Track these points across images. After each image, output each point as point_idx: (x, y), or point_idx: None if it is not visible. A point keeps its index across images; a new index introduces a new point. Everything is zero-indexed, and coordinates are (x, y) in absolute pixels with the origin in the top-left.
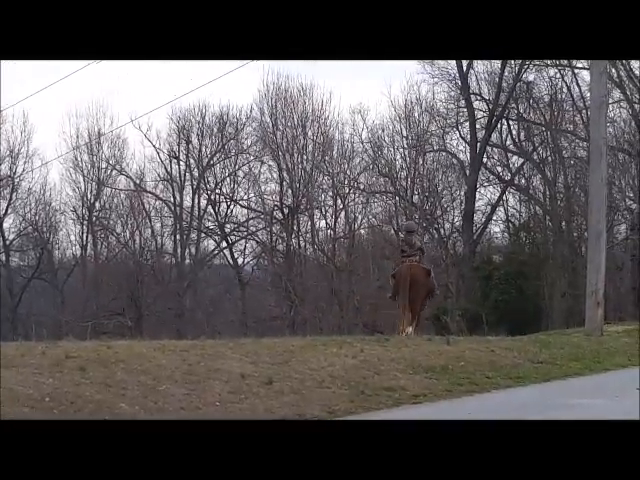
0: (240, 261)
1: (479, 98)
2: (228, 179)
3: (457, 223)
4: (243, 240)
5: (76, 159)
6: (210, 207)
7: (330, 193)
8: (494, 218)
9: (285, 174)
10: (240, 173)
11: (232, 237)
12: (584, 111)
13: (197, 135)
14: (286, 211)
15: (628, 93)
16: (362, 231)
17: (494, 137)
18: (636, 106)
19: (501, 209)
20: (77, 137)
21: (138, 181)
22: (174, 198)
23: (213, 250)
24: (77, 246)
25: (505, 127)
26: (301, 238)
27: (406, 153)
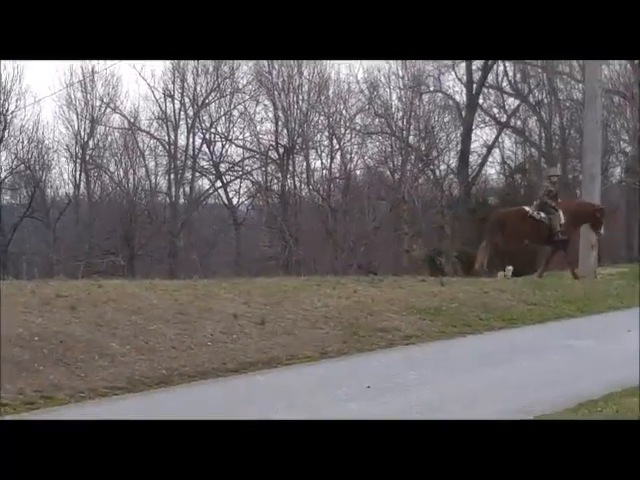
0: (235, 201)
1: None
2: (223, 118)
3: (453, 164)
4: (238, 180)
5: (69, 97)
6: (205, 146)
7: (326, 133)
8: (490, 160)
9: (280, 114)
10: (235, 112)
11: (227, 177)
12: None
13: (192, 73)
14: (281, 151)
15: None
16: (358, 171)
17: (490, 78)
18: None
19: (497, 151)
20: (71, 74)
21: (132, 119)
22: (168, 137)
23: (208, 190)
24: (70, 185)
25: (501, 68)
26: (296, 178)
27: (402, 93)
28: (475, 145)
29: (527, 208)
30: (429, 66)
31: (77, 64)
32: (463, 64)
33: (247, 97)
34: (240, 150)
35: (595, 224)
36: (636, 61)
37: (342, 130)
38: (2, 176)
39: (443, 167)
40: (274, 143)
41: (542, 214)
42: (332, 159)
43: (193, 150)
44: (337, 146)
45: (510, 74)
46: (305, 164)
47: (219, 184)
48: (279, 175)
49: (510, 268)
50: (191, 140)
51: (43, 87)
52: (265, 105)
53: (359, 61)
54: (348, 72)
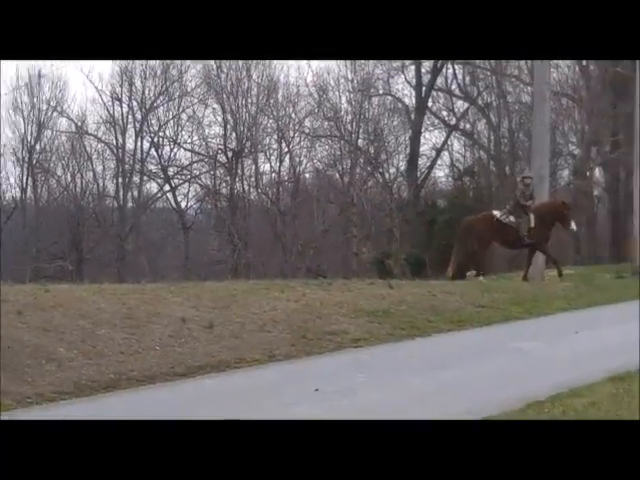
0: (183, 205)
1: None
2: (171, 122)
3: (402, 167)
4: (186, 183)
5: (16, 100)
6: (153, 150)
7: (275, 136)
8: (439, 163)
9: (229, 117)
10: (184, 116)
11: (175, 180)
12: None
13: (140, 77)
14: (230, 154)
15: None
16: (307, 175)
17: (439, 81)
18: None
19: (446, 153)
20: (17, 78)
21: (80, 123)
22: (116, 140)
23: (156, 193)
24: (17, 189)
25: (450, 71)
26: (245, 182)
27: (351, 97)
28: (424, 148)
29: (495, 212)
30: (378, 69)
31: (23, 67)
32: (412, 67)
33: (195, 100)
34: (188, 154)
35: (563, 221)
36: (584, 62)
37: (291, 133)
38: None
39: (392, 170)
40: (223, 147)
41: (511, 218)
42: (281, 162)
43: (141, 154)
44: (286, 149)
45: (459, 77)
46: (254, 167)
47: (167, 188)
48: (228, 179)
49: (471, 273)
50: (139, 144)
51: None
52: (214, 108)
53: (308, 64)
54: (297, 75)
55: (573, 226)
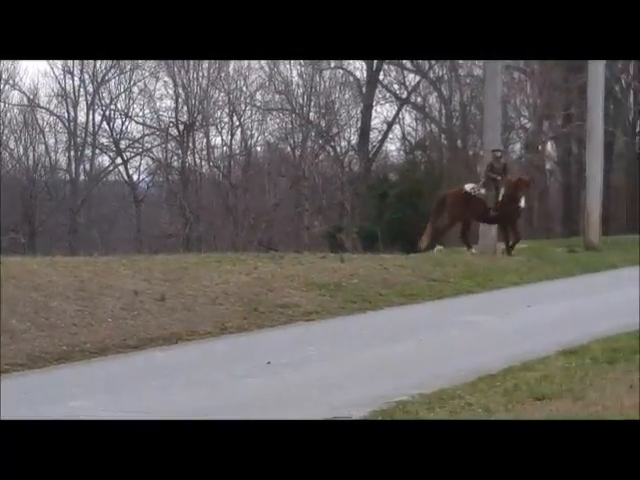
0: (135, 178)
1: None
2: (123, 95)
3: (353, 141)
4: (138, 157)
5: None
6: (105, 123)
7: (226, 110)
8: (390, 136)
9: (181, 90)
10: (135, 89)
11: (127, 154)
12: None
13: None
14: (181, 128)
15: None
16: (258, 148)
17: None
18: None
19: (397, 127)
20: None
21: (32, 96)
22: (68, 114)
23: (108, 167)
24: None
25: None
26: (197, 155)
27: (303, 70)
28: (375, 122)
29: (467, 186)
30: None
31: None
32: None
33: (147, 74)
34: (140, 127)
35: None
36: None
37: (242, 107)
38: None
39: (344, 143)
40: (174, 120)
41: (482, 191)
42: (232, 136)
43: (93, 127)
44: (237, 123)
45: None
46: (205, 141)
47: (119, 161)
48: (179, 152)
49: (440, 247)
50: (91, 117)
51: None
52: (165, 82)
53: None
54: None
55: (521, 204)
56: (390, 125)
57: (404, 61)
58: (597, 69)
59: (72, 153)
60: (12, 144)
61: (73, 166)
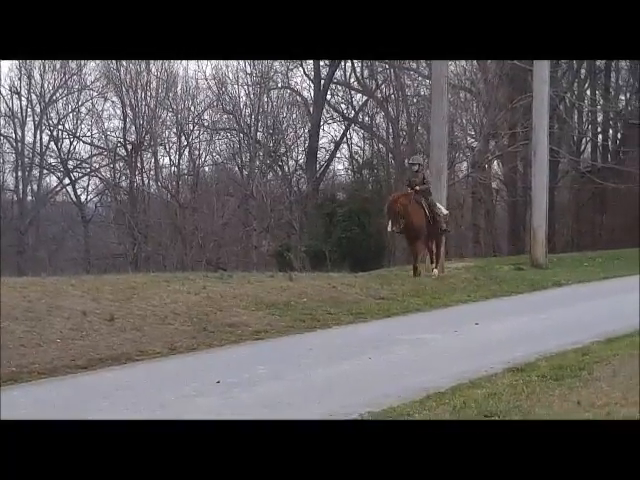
0: (83, 198)
1: None
2: (71, 115)
3: (301, 160)
4: (86, 177)
5: None
6: (52, 143)
7: (174, 130)
8: (338, 155)
9: (129, 110)
10: (83, 109)
11: (75, 174)
12: None
13: (39, 70)
14: (129, 148)
15: None
16: (206, 168)
17: (338, 74)
18: None
19: (345, 146)
20: None
21: None
22: (15, 134)
23: (56, 187)
24: None
25: (349, 64)
26: (145, 175)
27: (250, 90)
28: (323, 141)
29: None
30: (277, 63)
31: None
32: (310, 60)
33: (95, 94)
34: (88, 147)
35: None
36: None
37: (190, 127)
38: None
39: (292, 163)
40: (122, 140)
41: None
42: (180, 156)
43: (41, 147)
44: (185, 143)
45: (357, 70)
46: (153, 161)
47: (67, 181)
48: (127, 172)
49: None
50: (38, 137)
51: None
52: (113, 102)
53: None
54: (196, 69)
55: (388, 228)
56: (338, 144)
57: (351, 80)
58: (542, 89)
59: (20, 173)
60: None
61: (21, 186)
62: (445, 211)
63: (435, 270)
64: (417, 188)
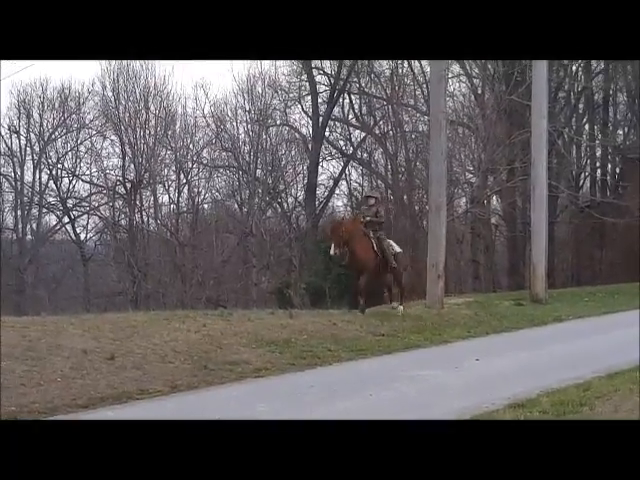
0: (82, 236)
1: (321, 72)
2: (70, 154)
3: (300, 197)
4: (85, 215)
5: None
6: (52, 182)
7: (173, 167)
8: (337, 192)
9: (127, 149)
10: (82, 148)
11: (74, 212)
12: (424, 85)
13: (38, 109)
14: (129, 186)
15: (467, 67)
16: (205, 205)
17: (336, 111)
18: (475, 80)
19: (344, 183)
20: None
21: None
22: (14, 173)
23: (55, 226)
24: None
25: (347, 101)
26: (144, 213)
27: (249, 127)
28: (322, 177)
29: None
30: (275, 100)
31: None
32: (309, 97)
33: (94, 132)
34: (87, 185)
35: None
36: (479, 91)
37: (189, 164)
38: None
39: (291, 200)
40: (121, 178)
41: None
42: (179, 193)
43: (40, 186)
44: (184, 180)
45: (356, 107)
46: (152, 199)
47: (66, 220)
48: (127, 210)
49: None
50: (37, 176)
51: None
52: (112, 140)
53: (205, 95)
54: (195, 106)
55: (331, 251)
56: (336, 181)
57: (350, 117)
58: (540, 123)
59: (19, 212)
60: None
61: (20, 225)
62: (398, 249)
63: (400, 307)
64: (367, 219)
